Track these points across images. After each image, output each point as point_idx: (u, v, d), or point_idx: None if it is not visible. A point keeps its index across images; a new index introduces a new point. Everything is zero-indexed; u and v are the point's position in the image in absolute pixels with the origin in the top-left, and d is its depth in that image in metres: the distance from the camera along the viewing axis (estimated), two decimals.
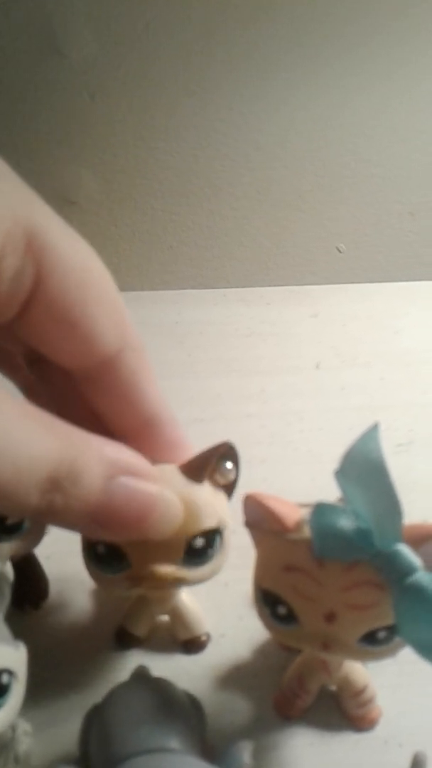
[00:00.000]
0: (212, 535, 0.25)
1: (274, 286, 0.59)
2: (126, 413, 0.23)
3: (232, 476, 0.25)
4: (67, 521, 0.19)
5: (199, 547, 0.24)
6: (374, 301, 0.56)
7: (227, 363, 0.48)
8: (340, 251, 0.70)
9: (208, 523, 0.24)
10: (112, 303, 0.21)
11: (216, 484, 0.25)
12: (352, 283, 0.61)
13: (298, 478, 0.38)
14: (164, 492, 0.22)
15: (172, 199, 0.64)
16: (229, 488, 0.26)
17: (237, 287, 0.59)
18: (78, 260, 0.20)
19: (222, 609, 0.30)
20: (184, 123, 0.61)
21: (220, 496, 0.25)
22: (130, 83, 0.59)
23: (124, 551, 0.24)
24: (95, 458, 0.19)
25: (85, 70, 0.58)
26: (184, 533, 0.24)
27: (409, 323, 0.52)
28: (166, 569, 0.24)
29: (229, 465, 0.25)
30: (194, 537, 0.24)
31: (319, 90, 0.60)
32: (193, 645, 0.29)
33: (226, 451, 0.25)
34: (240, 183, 0.64)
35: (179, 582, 0.25)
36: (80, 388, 0.23)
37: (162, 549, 0.24)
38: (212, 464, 0.25)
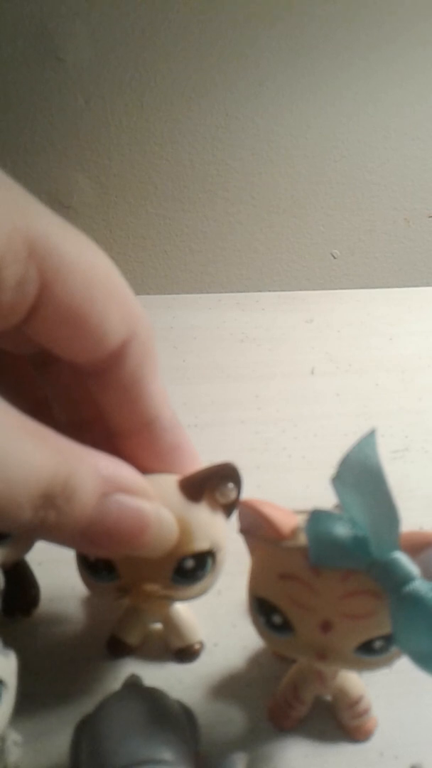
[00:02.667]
0: (204, 558, 0.24)
1: (269, 291, 0.59)
2: (130, 409, 0.23)
3: (232, 496, 0.25)
4: (58, 538, 0.19)
5: (189, 568, 0.24)
6: (369, 307, 0.55)
7: (221, 368, 0.47)
8: (334, 257, 0.70)
9: (200, 546, 0.24)
10: (120, 297, 0.21)
11: (215, 504, 0.25)
12: (347, 289, 0.61)
13: (292, 485, 0.38)
14: (159, 510, 0.21)
15: (166, 204, 0.64)
16: (228, 508, 0.25)
17: (231, 292, 0.59)
18: (82, 260, 0.20)
19: (215, 617, 0.30)
20: (180, 128, 0.61)
21: (218, 517, 0.25)
22: (126, 88, 0.59)
23: (113, 563, 0.24)
24: (90, 474, 0.19)
25: (80, 74, 0.58)
26: (174, 553, 0.23)
27: (404, 330, 0.52)
28: (152, 587, 0.24)
29: (230, 485, 0.25)
30: (184, 558, 0.24)
31: (316, 96, 0.60)
32: (186, 654, 0.28)
33: (227, 473, 0.24)
34: (235, 188, 0.64)
35: (166, 599, 0.24)
36: (88, 386, 0.23)
37: (151, 566, 0.24)
38: (211, 484, 0.24)
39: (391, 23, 0.58)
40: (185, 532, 0.23)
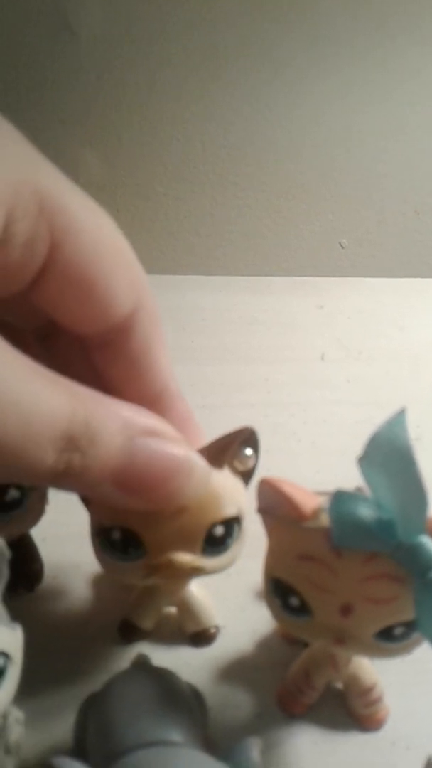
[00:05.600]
0: (231, 524, 0.23)
1: (276, 276, 0.58)
2: (137, 383, 0.22)
3: (251, 463, 0.24)
4: (85, 485, 0.18)
5: (219, 536, 0.23)
6: (380, 296, 0.55)
7: (231, 351, 0.47)
8: (342, 247, 0.69)
9: (229, 511, 0.23)
10: (126, 262, 0.20)
11: (234, 471, 0.24)
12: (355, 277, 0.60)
13: (301, 470, 0.37)
14: (190, 453, 0.20)
15: (175, 185, 0.63)
16: (247, 476, 0.25)
17: (237, 275, 0.58)
18: (90, 219, 0.19)
19: (224, 600, 0.29)
20: (191, 108, 0.60)
21: (239, 484, 0.24)
22: (139, 65, 0.58)
23: (140, 538, 0.23)
24: (111, 416, 0.18)
25: (93, 49, 0.57)
26: (205, 520, 0.23)
27: (415, 320, 0.52)
28: (185, 558, 0.23)
29: (248, 452, 0.24)
30: (214, 525, 0.23)
31: (331, 85, 0.59)
32: (202, 638, 0.28)
33: (247, 437, 0.24)
34: (245, 173, 0.63)
35: (197, 572, 0.23)
36: (93, 359, 0.22)
37: (181, 536, 0.23)
38: (233, 449, 0.23)
39: (407, 13, 0.57)
40: (214, 498, 0.23)
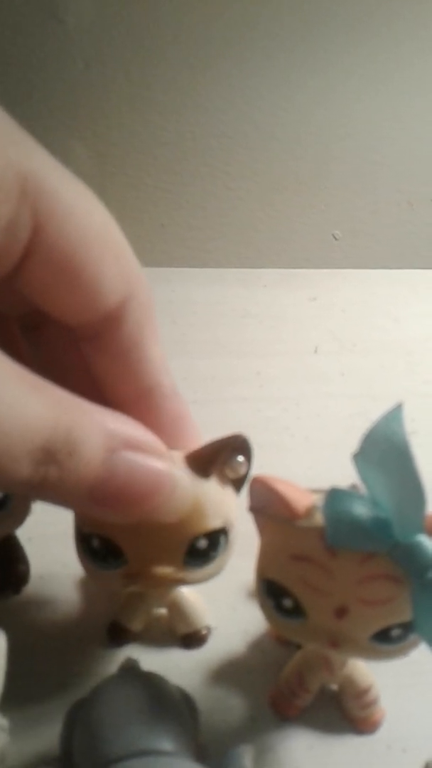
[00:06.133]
0: (216, 536, 0.23)
1: (268, 268, 0.57)
2: (127, 376, 0.21)
3: (243, 471, 0.23)
4: (61, 497, 0.17)
5: (202, 549, 0.22)
6: (374, 287, 0.54)
7: (222, 344, 0.46)
8: (336, 238, 0.68)
9: (214, 524, 0.22)
10: (116, 248, 0.19)
11: (224, 479, 0.23)
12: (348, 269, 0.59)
13: (294, 466, 0.37)
14: (173, 470, 0.20)
15: (165, 176, 0.62)
16: (238, 483, 0.24)
17: (229, 268, 0.57)
18: (79, 206, 0.18)
19: (215, 600, 0.28)
20: (182, 97, 0.59)
21: (228, 492, 0.23)
22: (128, 53, 0.56)
23: (120, 547, 0.22)
24: (95, 429, 0.17)
25: (81, 37, 0.56)
26: (186, 533, 0.22)
27: (409, 312, 0.51)
28: (164, 570, 0.22)
29: (240, 459, 0.23)
30: (197, 537, 0.22)
31: (323, 74, 0.58)
32: (193, 639, 0.27)
33: (238, 446, 0.23)
34: (237, 163, 0.62)
35: (178, 583, 0.23)
36: (82, 350, 0.21)
37: (161, 548, 0.22)
38: (221, 459, 0.22)
39: (399, 3, 0.56)
40: (197, 510, 0.22)
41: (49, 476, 0.16)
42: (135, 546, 0.22)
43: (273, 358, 0.45)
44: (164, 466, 0.19)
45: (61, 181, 0.18)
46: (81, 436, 0.17)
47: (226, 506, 0.23)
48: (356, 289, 0.53)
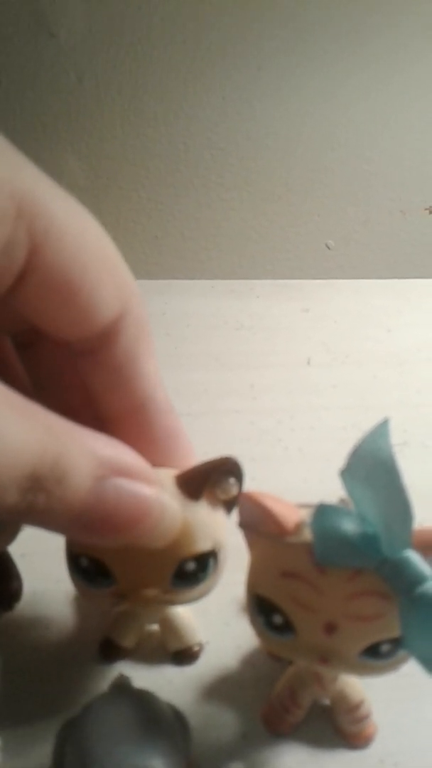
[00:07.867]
0: (205, 559, 0.23)
1: (262, 279, 0.57)
2: (122, 391, 0.21)
3: (233, 492, 0.23)
4: (48, 523, 0.18)
5: (190, 571, 0.22)
6: (367, 298, 0.54)
7: (215, 357, 0.46)
8: (329, 248, 0.69)
9: (203, 546, 0.22)
10: (111, 264, 0.19)
11: (214, 500, 0.23)
12: (341, 279, 0.59)
13: (288, 478, 0.37)
14: (161, 496, 0.20)
15: (158, 188, 0.62)
16: (229, 504, 0.24)
17: (222, 279, 0.58)
18: (73, 224, 0.18)
19: (207, 615, 0.28)
20: (174, 110, 0.59)
21: (218, 514, 0.23)
22: (120, 66, 0.57)
23: (108, 568, 0.22)
24: (84, 455, 0.17)
25: (73, 50, 0.56)
26: (175, 555, 0.22)
27: (402, 321, 0.51)
28: (152, 592, 0.22)
29: (231, 480, 0.23)
30: (186, 560, 0.22)
31: (315, 84, 0.59)
32: (185, 656, 0.27)
33: (230, 468, 0.23)
34: (229, 174, 0.62)
35: (166, 604, 0.23)
36: (77, 366, 0.21)
37: (149, 569, 0.22)
38: (212, 480, 0.22)
39: (392, 12, 0.56)
40: (186, 533, 0.22)
41: (36, 503, 0.16)
42: (123, 567, 0.22)
43: (266, 369, 0.45)
44: (153, 492, 0.19)
45: (55, 199, 0.18)
46: (69, 463, 0.17)
47: (216, 528, 0.23)
48: (349, 300, 0.54)
